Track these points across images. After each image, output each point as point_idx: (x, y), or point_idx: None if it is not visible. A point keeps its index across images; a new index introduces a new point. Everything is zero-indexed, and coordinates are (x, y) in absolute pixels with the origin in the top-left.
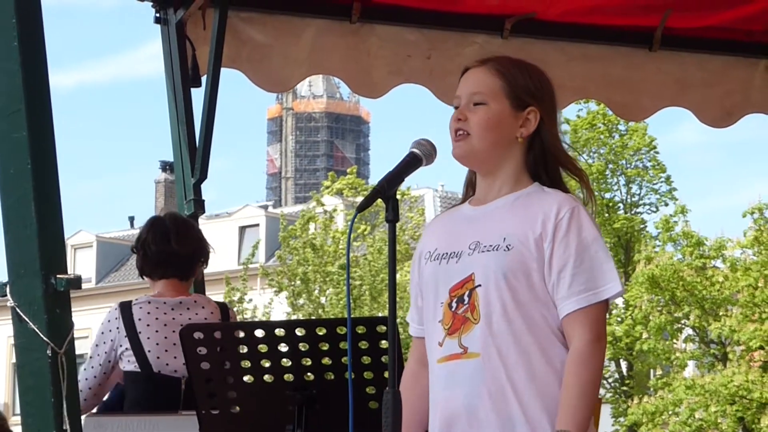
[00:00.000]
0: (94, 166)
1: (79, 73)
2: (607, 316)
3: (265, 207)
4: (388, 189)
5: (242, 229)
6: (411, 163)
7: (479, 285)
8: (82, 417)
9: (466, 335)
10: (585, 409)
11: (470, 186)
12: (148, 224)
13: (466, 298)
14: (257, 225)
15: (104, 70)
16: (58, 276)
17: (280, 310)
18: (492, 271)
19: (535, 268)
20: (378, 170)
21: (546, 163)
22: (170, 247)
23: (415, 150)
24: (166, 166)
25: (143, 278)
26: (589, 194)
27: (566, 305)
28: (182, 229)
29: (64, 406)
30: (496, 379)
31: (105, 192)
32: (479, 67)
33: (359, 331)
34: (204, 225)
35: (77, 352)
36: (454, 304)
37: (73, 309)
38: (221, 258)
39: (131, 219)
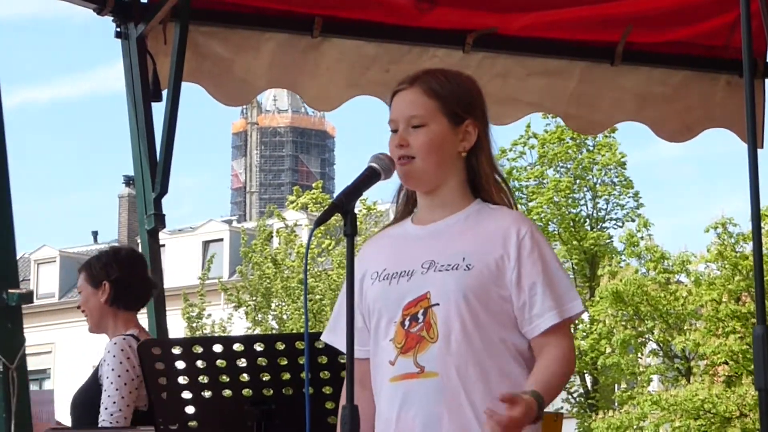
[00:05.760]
0: (59, 181)
1: (52, 88)
2: (572, 331)
3: (230, 222)
4: (346, 203)
5: (206, 244)
6: (369, 178)
7: (436, 304)
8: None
9: (422, 354)
10: (556, 389)
11: (407, 202)
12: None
13: (420, 316)
14: (221, 240)
15: (78, 86)
16: (9, 291)
17: (240, 325)
18: (451, 291)
19: (494, 289)
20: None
21: (486, 175)
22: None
23: (373, 164)
24: (129, 181)
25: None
26: (515, 207)
27: (542, 322)
28: None
29: (12, 422)
30: (455, 398)
31: (69, 207)
32: (409, 89)
33: (318, 346)
34: (167, 240)
35: (40, 366)
36: (407, 323)
37: (36, 324)
38: (184, 273)
39: (95, 234)
